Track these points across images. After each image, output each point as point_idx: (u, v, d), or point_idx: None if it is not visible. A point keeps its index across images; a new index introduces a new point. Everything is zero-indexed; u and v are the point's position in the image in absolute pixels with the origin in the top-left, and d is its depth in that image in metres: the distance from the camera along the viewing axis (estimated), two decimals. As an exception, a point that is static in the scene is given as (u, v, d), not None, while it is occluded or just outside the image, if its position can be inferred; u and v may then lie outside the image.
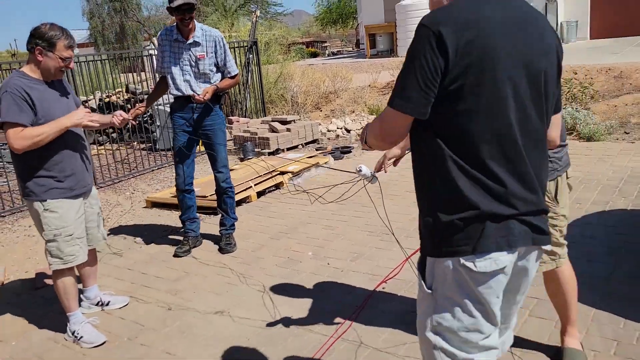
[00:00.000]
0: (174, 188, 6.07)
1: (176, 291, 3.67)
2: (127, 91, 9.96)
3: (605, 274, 3.33)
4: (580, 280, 3.23)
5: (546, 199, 2.12)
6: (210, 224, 4.96)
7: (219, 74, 4.18)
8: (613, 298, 3.05)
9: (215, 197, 5.18)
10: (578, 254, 3.59)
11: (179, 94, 4.10)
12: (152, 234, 4.89)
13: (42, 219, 3.01)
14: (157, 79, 4.36)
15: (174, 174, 4.41)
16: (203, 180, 6.12)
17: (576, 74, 10.07)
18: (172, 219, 5.28)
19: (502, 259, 1.53)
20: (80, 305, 3.35)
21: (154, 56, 8.33)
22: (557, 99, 1.71)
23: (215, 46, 4.09)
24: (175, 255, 4.27)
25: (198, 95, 3.97)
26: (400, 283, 3.46)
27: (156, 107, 8.49)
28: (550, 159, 2.25)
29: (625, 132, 7.15)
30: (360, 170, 2.28)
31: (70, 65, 3.02)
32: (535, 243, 1.58)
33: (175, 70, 4.08)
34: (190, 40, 4.04)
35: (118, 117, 3.32)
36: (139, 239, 4.74)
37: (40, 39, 2.92)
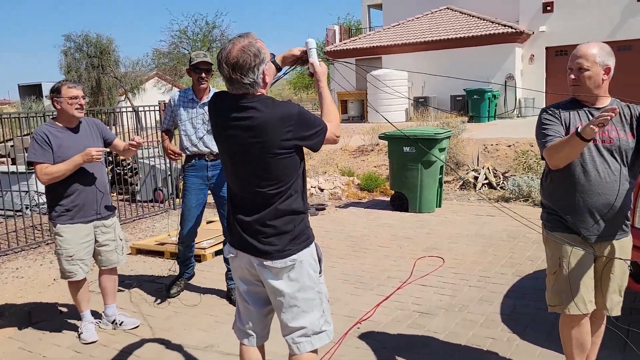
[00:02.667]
0: (158, 236, 6.44)
1: (168, 328, 3.98)
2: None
3: (552, 319, 3.82)
4: (531, 324, 3.74)
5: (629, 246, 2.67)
6: (195, 270, 5.28)
7: None
8: (557, 338, 3.51)
9: (198, 245, 5.55)
10: (530, 302, 4.11)
11: (196, 150, 4.30)
12: (139, 278, 5.18)
13: (54, 239, 3.68)
14: (160, 134, 4.60)
15: (170, 224, 4.80)
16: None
17: (532, 146, 10.94)
18: (157, 264, 5.59)
19: (226, 249, 2.49)
20: (100, 321, 3.98)
21: (127, 112, 8.73)
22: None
23: None
24: (168, 296, 4.55)
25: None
26: (373, 324, 3.86)
27: (140, 160, 8.87)
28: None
29: (574, 201, 7.87)
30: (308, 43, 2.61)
31: (81, 102, 3.61)
32: (250, 253, 2.32)
33: (189, 128, 4.30)
34: (205, 100, 4.28)
35: (134, 142, 3.74)
36: (127, 282, 5.02)
37: (52, 92, 3.62)
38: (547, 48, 18.18)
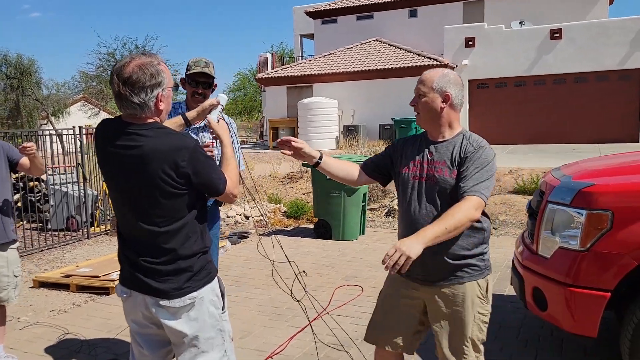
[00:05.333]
0: (65, 268, 6.03)
1: (62, 369, 3.66)
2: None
3: (464, 347, 3.81)
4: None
5: (479, 295, 2.33)
6: (102, 304, 4.95)
7: None
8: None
9: (106, 277, 5.22)
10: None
11: None
12: (38, 314, 4.78)
13: None
14: None
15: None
16: (97, 260, 6.10)
17: (454, 174, 11.30)
18: (60, 298, 5.19)
19: (118, 289, 2.24)
20: None
21: (51, 136, 8.32)
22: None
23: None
24: None
25: None
26: (284, 358, 3.71)
27: (52, 186, 8.37)
28: (483, 258, 2.36)
29: (494, 228, 8.13)
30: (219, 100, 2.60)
31: None
32: (144, 292, 2.13)
33: None
34: (201, 124, 3.08)
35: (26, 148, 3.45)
36: (23, 319, 4.62)
37: None
38: (469, 80, 19.01)
